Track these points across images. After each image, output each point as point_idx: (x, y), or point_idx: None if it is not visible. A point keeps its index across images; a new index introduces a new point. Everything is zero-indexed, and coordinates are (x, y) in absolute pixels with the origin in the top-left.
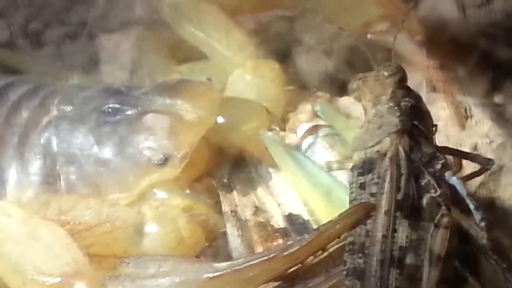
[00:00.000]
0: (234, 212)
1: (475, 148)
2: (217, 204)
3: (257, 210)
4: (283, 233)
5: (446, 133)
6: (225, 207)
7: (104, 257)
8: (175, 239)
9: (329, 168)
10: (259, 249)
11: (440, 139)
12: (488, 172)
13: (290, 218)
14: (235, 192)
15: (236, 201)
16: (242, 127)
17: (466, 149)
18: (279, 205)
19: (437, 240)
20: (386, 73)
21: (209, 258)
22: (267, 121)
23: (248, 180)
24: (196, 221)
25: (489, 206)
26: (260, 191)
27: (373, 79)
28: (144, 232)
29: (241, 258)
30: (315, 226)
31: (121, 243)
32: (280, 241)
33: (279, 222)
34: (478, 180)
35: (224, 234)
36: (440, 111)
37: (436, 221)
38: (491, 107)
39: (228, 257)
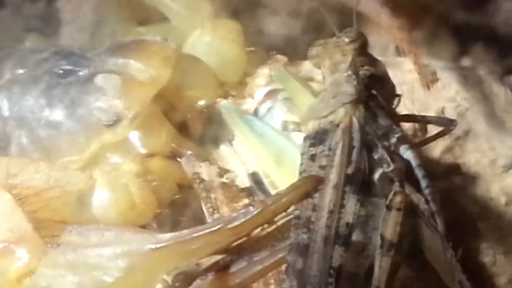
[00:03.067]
0: (197, 174)
1: (442, 112)
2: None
3: (221, 170)
4: (249, 192)
5: (412, 97)
6: (188, 169)
7: (52, 223)
8: (126, 204)
9: (285, 128)
10: (224, 210)
11: (406, 103)
12: (454, 137)
13: (255, 176)
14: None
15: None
16: (188, 90)
17: (432, 113)
18: (243, 163)
19: (389, 225)
20: (346, 40)
21: (161, 226)
22: (216, 92)
23: (212, 138)
24: (149, 187)
25: (455, 172)
26: (224, 149)
27: (333, 46)
28: (94, 197)
29: (185, 230)
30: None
31: (71, 208)
32: (246, 200)
33: (244, 181)
34: (443, 145)
35: (178, 201)
36: (406, 74)
37: (388, 201)
38: (459, 71)
39: (183, 225)
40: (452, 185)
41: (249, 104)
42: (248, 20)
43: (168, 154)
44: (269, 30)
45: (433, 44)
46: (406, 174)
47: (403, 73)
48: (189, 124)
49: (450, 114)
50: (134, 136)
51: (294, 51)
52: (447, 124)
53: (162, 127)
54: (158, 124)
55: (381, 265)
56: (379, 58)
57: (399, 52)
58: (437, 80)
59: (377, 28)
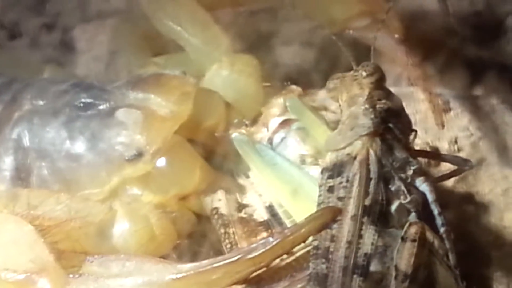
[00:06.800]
0: (216, 209)
1: (455, 141)
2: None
3: (239, 204)
4: (267, 225)
5: (425, 126)
6: (207, 203)
7: (73, 254)
8: (146, 236)
9: (303, 162)
10: (243, 245)
11: (419, 133)
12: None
13: (271, 209)
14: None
15: (218, 195)
16: (202, 123)
17: (445, 142)
18: (260, 196)
19: (404, 256)
20: (363, 73)
21: (181, 257)
22: (225, 118)
23: (228, 170)
24: (168, 218)
25: (468, 201)
26: (241, 180)
27: (350, 79)
28: (115, 229)
29: (205, 260)
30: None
31: (92, 239)
32: (264, 234)
33: (262, 214)
34: None
35: (197, 232)
36: (419, 104)
37: (403, 233)
38: (471, 100)
39: (202, 255)
40: (465, 214)
41: (263, 134)
42: (261, 51)
43: (202, 192)
44: (282, 60)
45: (446, 73)
46: (423, 208)
47: (416, 103)
48: (208, 157)
49: (463, 143)
50: (167, 176)
51: (307, 80)
52: (461, 164)
53: (195, 166)
54: (191, 162)
55: None
56: (391, 88)
57: (412, 82)
58: (450, 109)
59: (389, 58)
